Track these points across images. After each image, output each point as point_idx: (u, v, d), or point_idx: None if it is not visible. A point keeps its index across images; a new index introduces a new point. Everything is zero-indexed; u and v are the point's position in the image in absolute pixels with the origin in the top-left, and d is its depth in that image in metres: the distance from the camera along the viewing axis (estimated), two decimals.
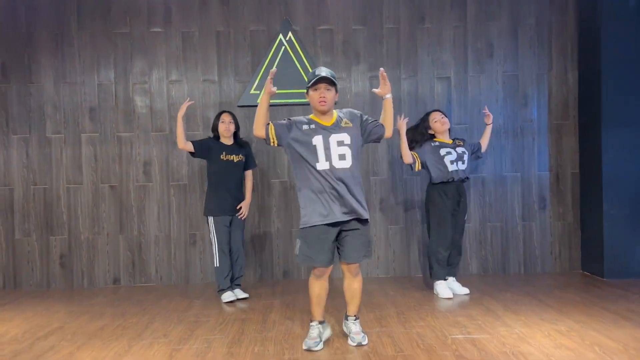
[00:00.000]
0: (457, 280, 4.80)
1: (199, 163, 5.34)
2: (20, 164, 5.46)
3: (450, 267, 4.77)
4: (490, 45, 5.56)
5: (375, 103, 5.53)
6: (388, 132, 3.50)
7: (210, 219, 4.72)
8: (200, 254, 5.45)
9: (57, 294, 5.19)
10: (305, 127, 3.36)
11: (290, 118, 3.48)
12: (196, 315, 4.27)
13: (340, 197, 3.28)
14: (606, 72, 5.15)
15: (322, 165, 3.30)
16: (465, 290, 4.69)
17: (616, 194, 5.15)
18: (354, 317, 3.54)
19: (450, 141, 4.77)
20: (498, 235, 5.58)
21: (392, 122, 3.51)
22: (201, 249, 5.44)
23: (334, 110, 3.45)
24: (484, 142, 4.94)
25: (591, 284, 5.00)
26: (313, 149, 3.31)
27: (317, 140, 3.31)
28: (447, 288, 4.65)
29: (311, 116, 3.45)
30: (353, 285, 3.48)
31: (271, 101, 5.36)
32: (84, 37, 5.45)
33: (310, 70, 5.36)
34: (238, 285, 4.81)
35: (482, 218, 5.56)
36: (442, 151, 4.67)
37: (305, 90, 3.45)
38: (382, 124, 3.49)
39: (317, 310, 3.46)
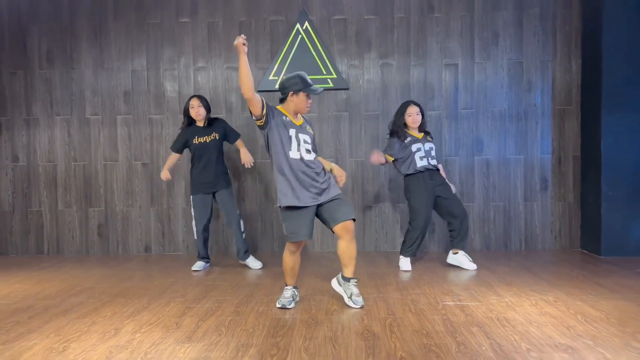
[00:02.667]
0: (464, 249, 4.66)
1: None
2: (63, 142, 5.63)
3: (459, 240, 4.62)
4: (496, 34, 5.44)
5: (387, 89, 5.49)
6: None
7: (191, 198, 4.80)
8: (222, 226, 5.53)
9: (94, 260, 5.35)
10: (284, 118, 3.47)
11: (269, 104, 3.46)
12: (214, 279, 4.35)
13: (310, 186, 3.40)
14: (607, 60, 4.98)
15: (294, 154, 3.41)
16: (473, 266, 4.57)
17: (614, 176, 5.00)
18: (355, 280, 3.54)
19: (421, 135, 4.66)
20: (501, 214, 5.50)
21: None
22: (223, 220, 5.52)
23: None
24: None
25: (587, 261, 4.88)
26: (288, 139, 3.42)
27: (292, 133, 3.44)
28: (408, 262, 4.63)
29: (283, 111, 3.49)
30: (350, 247, 3.44)
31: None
32: (119, 27, 5.56)
33: (325, 57, 5.39)
34: (247, 255, 4.81)
35: (485, 198, 5.48)
36: (414, 146, 4.59)
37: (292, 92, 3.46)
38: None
39: (291, 279, 3.57)
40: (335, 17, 5.49)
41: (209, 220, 4.80)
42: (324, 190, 3.44)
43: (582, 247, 5.43)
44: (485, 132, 5.46)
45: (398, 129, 4.63)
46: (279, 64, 5.43)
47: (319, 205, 3.44)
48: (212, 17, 5.52)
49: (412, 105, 4.62)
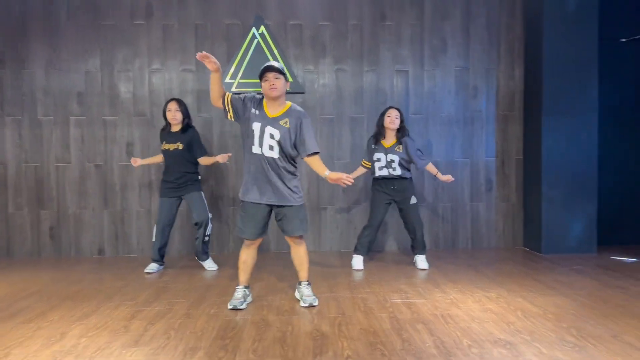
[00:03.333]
0: (420, 255, 4.67)
1: None
2: (13, 143, 5.37)
3: (415, 248, 4.68)
4: (444, 42, 5.51)
5: (341, 93, 5.48)
6: (308, 159, 3.38)
7: (159, 200, 4.68)
8: (179, 228, 5.39)
9: (45, 263, 5.12)
10: (253, 110, 3.33)
11: (245, 96, 3.38)
12: (166, 282, 4.23)
13: (267, 183, 3.31)
14: (547, 68, 5.12)
15: (256, 149, 3.32)
16: (425, 265, 4.59)
17: (554, 177, 5.14)
18: (307, 282, 3.52)
19: (389, 144, 4.57)
20: (449, 214, 5.57)
21: (316, 168, 3.39)
22: (178, 223, 5.38)
23: (289, 103, 3.40)
24: (426, 167, 4.64)
25: (528, 259, 5.00)
26: (251, 133, 3.31)
27: (255, 127, 3.30)
28: (359, 260, 4.63)
29: (264, 101, 3.37)
30: (299, 253, 3.49)
31: (245, 90, 5.38)
32: (72, 28, 5.35)
33: (281, 61, 5.33)
34: (206, 256, 4.71)
35: (434, 198, 5.54)
36: (375, 156, 4.60)
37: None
38: (305, 150, 3.36)
39: (242, 276, 3.48)
40: (291, 22, 5.44)
41: (169, 225, 4.61)
42: (280, 194, 3.32)
43: (524, 245, 5.56)
44: (434, 136, 5.52)
45: (377, 130, 4.62)
46: (235, 66, 5.34)
47: (274, 207, 3.37)
48: (167, 20, 5.38)
49: (392, 108, 4.59)
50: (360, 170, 4.83)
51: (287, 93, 5.34)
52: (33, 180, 5.38)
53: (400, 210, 4.66)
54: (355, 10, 5.46)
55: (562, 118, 5.11)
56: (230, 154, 4.55)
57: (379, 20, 5.48)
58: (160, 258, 4.67)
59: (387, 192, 4.61)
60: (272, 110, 3.33)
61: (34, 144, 5.37)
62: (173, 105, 4.54)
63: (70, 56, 5.36)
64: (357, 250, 4.68)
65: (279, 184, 3.32)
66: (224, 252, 5.43)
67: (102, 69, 5.38)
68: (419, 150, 4.59)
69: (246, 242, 3.42)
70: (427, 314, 3.23)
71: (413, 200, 4.61)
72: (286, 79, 3.34)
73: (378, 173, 4.59)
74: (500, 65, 5.55)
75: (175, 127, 4.59)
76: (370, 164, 4.68)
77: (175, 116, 4.52)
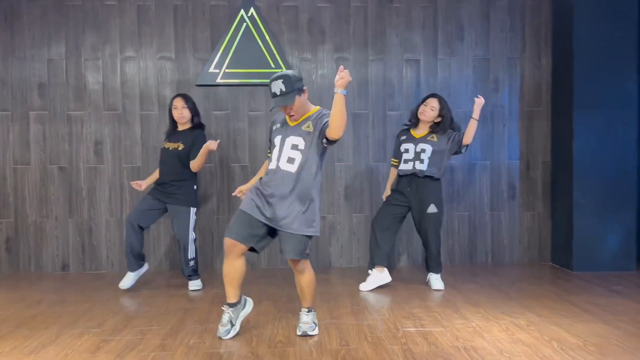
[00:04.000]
0: (434, 274, 4.42)
1: (153, 144, 5.08)
2: None
3: (429, 265, 4.43)
4: (461, 28, 5.32)
5: None
6: (332, 132, 2.99)
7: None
8: (154, 239, 5.16)
9: (0, 279, 4.88)
10: (276, 125, 3.29)
11: (273, 121, 3.39)
12: (139, 304, 4.00)
13: (274, 201, 3.12)
14: (579, 57, 4.92)
15: (272, 164, 3.21)
16: (440, 286, 4.34)
17: (586, 182, 4.94)
18: (307, 309, 3.29)
19: (421, 134, 4.37)
20: (466, 224, 5.36)
21: (338, 122, 2.93)
22: (155, 234, 5.15)
23: (316, 108, 3.26)
24: (467, 137, 4.30)
25: (558, 276, 4.80)
26: (273, 148, 3.24)
27: (277, 141, 3.21)
28: (370, 281, 4.37)
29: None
30: (300, 282, 3.27)
31: (232, 81, 5.17)
32: (34, 9, 5.11)
33: (273, 48, 5.12)
34: (189, 278, 4.46)
35: (449, 207, 5.32)
36: (402, 147, 4.43)
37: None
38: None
39: (228, 290, 3.23)
40: (285, 3, 5.23)
41: (143, 223, 4.36)
42: (277, 216, 3.11)
43: (552, 260, 5.36)
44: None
45: (410, 118, 4.50)
46: (220, 54, 5.12)
47: (275, 232, 3.22)
48: (142, 0, 5.16)
49: (432, 97, 4.39)
50: (393, 173, 4.61)
51: None
52: None
53: (414, 219, 4.44)
54: None
55: (595, 114, 4.92)
56: (219, 140, 4.35)
57: (386, 2, 5.27)
58: (136, 259, 4.39)
59: (403, 191, 4.39)
60: (294, 117, 3.20)
61: None
62: (179, 102, 4.40)
63: (31, 42, 5.12)
64: (371, 261, 4.47)
65: (282, 204, 3.12)
66: (210, 268, 5.19)
67: (67, 57, 5.15)
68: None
69: (226, 247, 3.13)
70: (447, 346, 3.02)
71: (432, 208, 4.35)
72: (300, 92, 3.11)
73: (402, 167, 4.39)
74: (524, 54, 5.35)
75: (183, 127, 4.44)
76: (398, 161, 4.47)
77: (182, 114, 4.38)
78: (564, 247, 5.12)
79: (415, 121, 4.45)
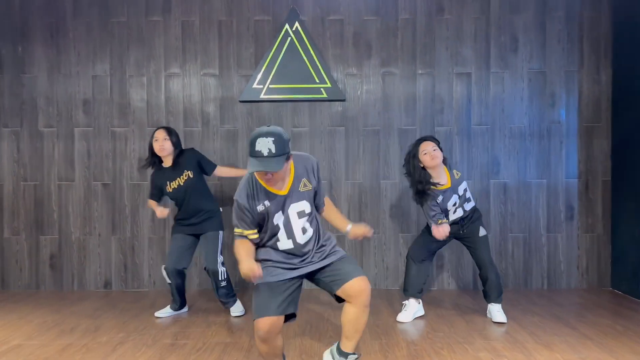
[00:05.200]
0: (495, 304, 3.58)
1: None
2: (11, 158, 4.58)
3: (487, 293, 3.59)
4: (515, 39, 4.50)
5: (389, 101, 4.53)
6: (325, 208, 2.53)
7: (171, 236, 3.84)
8: (195, 259, 4.47)
9: (43, 297, 4.31)
10: (260, 207, 2.32)
11: (238, 203, 2.33)
12: (175, 335, 3.31)
13: (302, 263, 2.40)
14: None
15: (284, 244, 2.37)
16: (502, 319, 3.51)
17: None
18: (356, 356, 2.50)
19: (447, 184, 3.47)
20: (520, 246, 4.52)
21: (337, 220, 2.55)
22: (197, 253, 4.48)
23: (292, 162, 2.38)
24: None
25: (624, 305, 3.93)
26: (276, 229, 2.36)
27: (278, 219, 2.35)
28: (408, 312, 3.60)
29: (260, 182, 2.32)
30: (361, 317, 2.40)
31: (275, 97, 4.49)
32: (79, 26, 4.55)
33: (318, 63, 4.43)
34: (230, 303, 3.76)
35: (502, 228, 4.50)
36: (449, 205, 3.50)
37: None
38: (321, 198, 2.50)
39: None
40: (331, 17, 4.53)
41: (181, 264, 3.71)
42: (315, 257, 2.42)
43: (612, 286, 4.47)
44: (503, 152, 4.49)
45: (420, 178, 3.42)
46: (264, 70, 4.45)
47: (314, 273, 2.44)
48: (187, 16, 4.54)
49: (423, 142, 3.47)
50: None
51: (326, 100, 4.53)
52: (32, 200, 4.58)
53: (467, 246, 3.66)
54: (407, 2, 4.51)
55: None
56: (168, 211, 3.69)
57: (435, 14, 4.51)
58: (181, 301, 3.79)
59: (456, 235, 3.62)
60: (278, 185, 2.33)
61: (34, 159, 4.57)
62: (161, 134, 3.69)
63: (76, 58, 4.56)
64: (405, 292, 3.70)
65: (314, 259, 2.42)
66: (243, 289, 4.50)
67: (111, 74, 4.56)
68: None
69: (263, 331, 2.26)
70: None
71: (482, 231, 3.58)
72: (287, 157, 2.26)
73: (452, 217, 3.55)
74: (583, 67, 4.50)
75: (166, 161, 3.72)
76: (446, 219, 3.54)
77: (163, 146, 3.65)
78: (626, 272, 4.24)
79: (425, 177, 3.45)
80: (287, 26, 4.47)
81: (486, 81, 4.52)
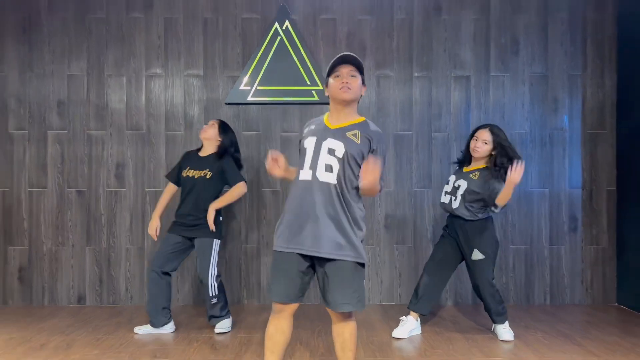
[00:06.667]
0: (498, 325, 3.55)
1: None
2: None
3: (489, 314, 3.56)
4: (516, 41, 4.51)
5: (384, 104, 4.50)
6: (362, 185, 2.29)
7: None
8: (176, 272, 4.40)
9: (10, 313, 4.17)
10: (310, 127, 2.50)
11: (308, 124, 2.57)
12: (153, 353, 3.22)
13: (307, 221, 2.32)
14: None
15: (304, 173, 2.37)
16: (509, 337, 3.47)
17: None
18: None
19: (469, 168, 3.58)
20: (522, 260, 4.49)
21: (366, 186, 2.27)
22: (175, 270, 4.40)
23: (362, 118, 2.46)
24: (500, 199, 3.33)
25: (630, 321, 3.92)
26: (303, 152, 2.41)
27: (309, 143, 2.40)
28: (404, 327, 3.57)
29: (326, 114, 2.52)
30: (343, 334, 2.43)
31: (264, 99, 4.45)
32: (54, 21, 4.48)
33: (309, 63, 4.40)
34: (210, 318, 3.67)
35: (503, 239, 4.47)
36: (450, 179, 3.64)
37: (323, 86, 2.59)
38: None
39: (269, 358, 2.42)
40: (323, 16, 4.51)
41: (168, 267, 3.63)
42: (321, 238, 2.30)
43: (618, 301, 4.46)
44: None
45: (461, 156, 3.71)
46: (252, 71, 4.41)
47: (316, 260, 2.37)
48: (170, 12, 4.49)
49: (481, 129, 3.54)
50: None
51: (317, 104, 4.49)
52: (0, 208, 4.46)
53: (466, 263, 3.62)
54: (403, 1, 4.51)
55: None
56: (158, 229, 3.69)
57: (432, 14, 4.51)
58: (162, 316, 3.63)
59: (452, 235, 3.60)
60: (335, 120, 2.44)
61: (3, 163, 4.47)
62: (211, 121, 3.81)
63: (50, 56, 4.48)
64: (410, 306, 3.66)
65: (327, 224, 2.30)
66: (237, 305, 4.41)
67: (88, 73, 4.48)
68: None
69: (274, 306, 2.42)
70: None
71: (476, 255, 3.49)
72: (364, 83, 2.45)
73: (442, 198, 3.64)
74: (586, 71, 4.52)
75: (208, 148, 3.74)
76: None
77: (206, 131, 3.72)
78: (633, 286, 4.24)
79: (467, 158, 3.61)
80: (276, 25, 4.44)
81: (486, 85, 4.51)
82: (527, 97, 4.51)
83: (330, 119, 2.45)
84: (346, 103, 2.40)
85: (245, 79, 4.42)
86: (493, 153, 3.48)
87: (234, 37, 4.49)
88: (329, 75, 2.43)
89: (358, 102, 2.49)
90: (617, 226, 4.49)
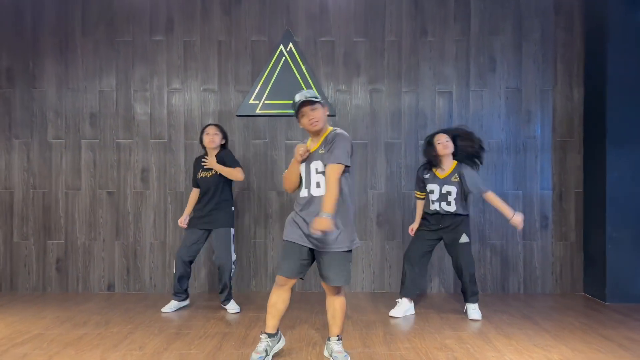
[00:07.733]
0: (470, 303, 4.32)
1: None
2: (21, 167, 5.30)
3: (465, 294, 4.34)
4: (493, 60, 5.26)
5: (376, 115, 5.26)
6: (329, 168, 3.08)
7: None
8: (195, 263, 5.19)
9: (50, 299, 4.98)
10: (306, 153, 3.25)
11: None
12: (178, 327, 4.01)
13: (303, 223, 3.14)
14: (612, 89, 4.81)
15: (302, 192, 3.20)
16: (476, 316, 4.23)
17: (620, 215, 4.78)
18: (337, 338, 3.24)
19: (444, 174, 4.32)
20: (498, 254, 5.24)
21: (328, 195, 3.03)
22: (203, 256, 5.19)
23: (329, 129, 3.21)
24: (490, 200, 4.29)
25: (591, 307, 4.63)
26: (301, 176, 3.25)
27: (302, 168, 3.21)
28: (402, 304, 4.36)
29: (308, 140, 3.28)
30: (333, 305, 3.20)
31: (270, 112, 5.22)
32: (87, 44, 5.30)
33: (310, 80, 5.15)
34: (228, 301, 4.51)
35: (481, 236, 5.22)
36: (428, 187, 4.37)
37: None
38: (331, 158, 3.06)
39: (270, 321, 3.23)
40: (322, 38, 5.28)
41: (191, 257, 4.48)
42: (323, 241, 3.08)
43: (585, 291, 5.18)
44: (481, 165, 5.22)
45: (428, 158, 4.39)
46: (260, 86, 5.19)
47: (317, 253, 3.16)
48: (188, 36, 5.28)
49: (439, 134, 4.35)
50: (420, 205, 4.52)
51: None
52: (40, 207, 5.29)
53: (447, 246, 4.37)
54: (393, 25, 5.27)
55: (629, 147, 4.78)
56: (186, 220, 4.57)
57: (419, 36, 5.27)
58: (180, 291, 4.52)
59: (433, 229, 4.35)
60: (313, 144, 3.20)
61: (43, 168, 5.29)
62: (212, 130, 4.53)
63: (84, 74, 5.30)
64: (400, 292, 4.43)
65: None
66: (247, 291, 5.20)
67: (117, 89, 5.30)
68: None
69: (278, 279, 3.19)
70: None
71: (465, 238, 4.29)
72: (322, 104, 3.17)
73: (431, 207, 4.35)
74: (556, 85, 5.25)
75: (212, 153, 4.53)
76: (424, 194, 4.44)
77: (214, 139, 4.48)
78: (597, 278, 4.95)
79: (435, 161, 4.34)
80: (281, 46, 5.21)
81: (466, 98, 5.26)
82: (503, 110, 5.25)
83: (311, 143, 3.21)
84: (317, 131, 3.15)
85: (254, 94, 5.20)
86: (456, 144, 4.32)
87: (244, 57, 5.27)
88: (296, 116, 3.15)
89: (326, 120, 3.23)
90: (583, 224, 5.21)
